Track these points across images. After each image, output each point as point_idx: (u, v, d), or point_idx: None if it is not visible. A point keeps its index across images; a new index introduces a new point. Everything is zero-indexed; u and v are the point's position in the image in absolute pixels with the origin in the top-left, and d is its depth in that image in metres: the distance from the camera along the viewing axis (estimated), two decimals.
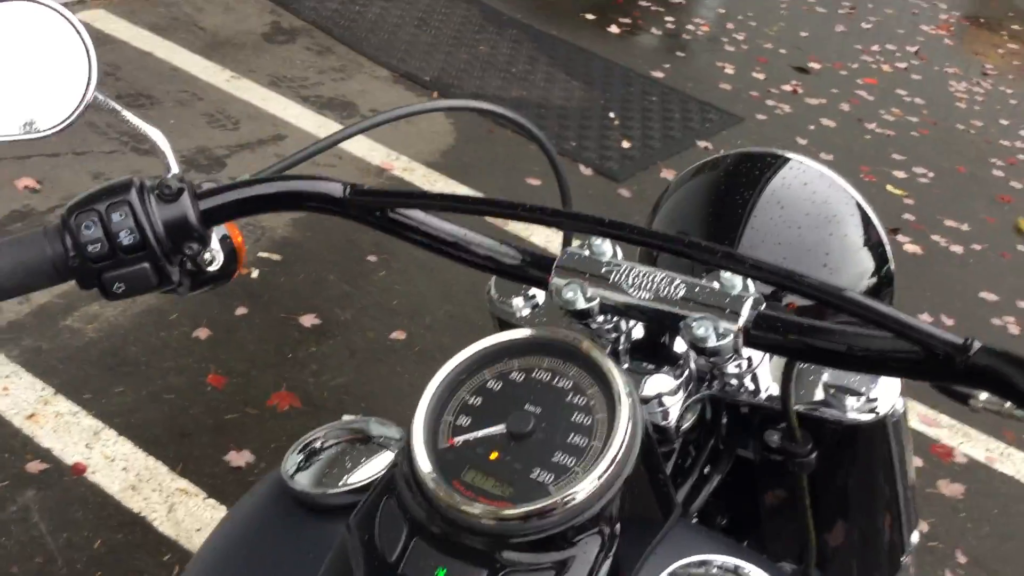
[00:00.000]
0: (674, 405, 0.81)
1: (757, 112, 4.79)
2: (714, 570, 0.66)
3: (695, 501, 0.84)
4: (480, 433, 0.67)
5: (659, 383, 0.80)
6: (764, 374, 0.82)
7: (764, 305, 0.72)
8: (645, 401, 0.81)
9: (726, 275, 0.73)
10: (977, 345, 0.60)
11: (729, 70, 5.22)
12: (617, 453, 0.63)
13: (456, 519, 0.63)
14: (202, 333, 2.65)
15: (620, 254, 0.78)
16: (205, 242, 0.79)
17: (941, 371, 0.62)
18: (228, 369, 2.55)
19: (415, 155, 3.76)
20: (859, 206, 0.98)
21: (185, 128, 3.62)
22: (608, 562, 0.64)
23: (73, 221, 0.75)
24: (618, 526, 0.64)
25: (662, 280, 0.74)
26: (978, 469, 2.70)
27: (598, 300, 0.75)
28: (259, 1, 4.81)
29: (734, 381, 0.82)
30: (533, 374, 0.69)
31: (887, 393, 0.78)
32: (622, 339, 0.83)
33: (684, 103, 4.71)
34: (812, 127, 4.71)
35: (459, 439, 0.67)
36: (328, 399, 2.51)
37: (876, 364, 0.66)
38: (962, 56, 6.39)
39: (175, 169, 0.82)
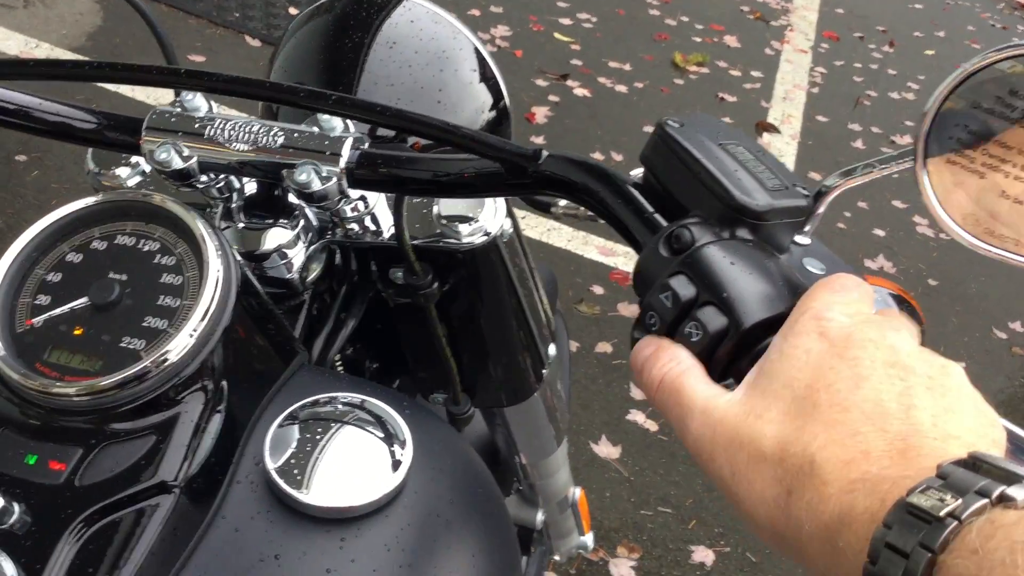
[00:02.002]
0: (296, 256, 0.80)
1: None
2: (339, 406, 0.66)
3: (332, 348, 0.84)
4: (60, 309, 0.62)
5: (276, 236, 0.78)
6: (383, 214, 0.82)
7: (367, 143, 0.72)
8: (264, 256, 0.78)
9: (325, 118, 0.71)
10: (545, 154, 0.62)
11: None
12: (208, 307, 0.61)
13: (42, 402, 0.59)
14: None
15: (216, 108, 0.74)
16: None
17: (519, 183, 0.64)
18: None
19: (58, 41, 3.41)
20: (471, 44, 0.99)
21: None
22: (219, 416, 0.62)
23: None
24: (224, 381, 0.63)
25: (260, 130, 0.71)
26: None
27: (196, 158, 0.71)
28: None
29: (354, 225, 0.82)
30: (116, 240, 0.65)
31: (493, 216, 0.81)
32: (234, 197, 0.79)
33: None
34: None
35: (38, 319, 0.62)
36: None
37: (466, 186, 0.67)
38: None
39: None
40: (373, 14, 0.98)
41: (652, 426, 2.49)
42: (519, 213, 0.90)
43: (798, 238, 0.57)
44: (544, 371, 0.99)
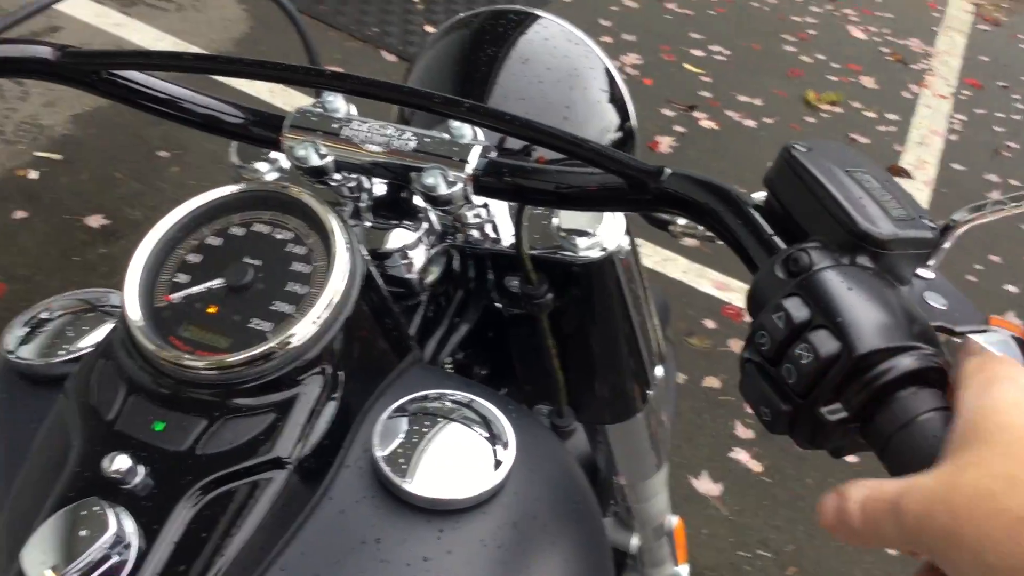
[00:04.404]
0: (416, 258, 0.82)
1: None
2: (447, 403, 0.68)
3: (444, 350, 0.86)
4: (197, 288, 0.66)
5: (399, 237, 0.81)
6: (503, 223, 0.84)
7: (494, 153, 0.74)
8: (387, 255, 0.81)
9: (455, 125, 0.73)
10: (668, 171, 0.63)
11: None
12: (333, 297, 0.64)
13: (173, 373, 0.62)
14: None
15: (354, 111, 0.77)
16: None
17: (640, 198, 0.65)
18: (9, 275, 2.41)
19: (206, 45, 3.59)
20: (603, 64, 1.01)
21: None
22: (334, 402, 0.65)
23: None
24: (342, 368, 0.65)
25: (393, 133, 0.74)
26: None
27: (332, 157, 0.74)
28: None
29: (475, 232, 0.84)
30: (253, 228, 0.69)
31: (611, 231, 0.81)
32: (364, 197, 0.82)
33: None
34: (615, 8, 4.75)
35: (176, 295, 0.66)
36: None
37: (587, 199, 0.68)
38: None
39: None
40: (509, 30, 1.00)
41: (756, 467, 2.44)
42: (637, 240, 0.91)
43: (921, 271, 0.57)
44: (649, 392, 0.99)
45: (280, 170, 0.87)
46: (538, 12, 1.03)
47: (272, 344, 0.62)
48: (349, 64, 3.70)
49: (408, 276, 0.82)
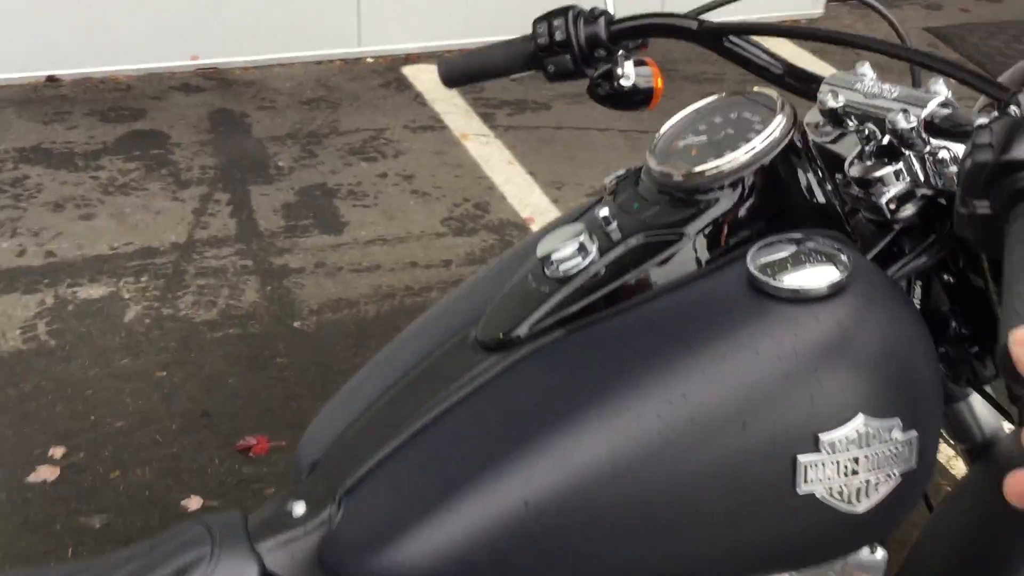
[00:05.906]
0: (889, 190, 1.02)
1: None
2: (821, 246, 0.91)
3: (893, 269, 1.02)
4: (691, 140, 1.02)
5: (879, 168, 1.02)
6: None
7: (953, 108, 0.95)
8: (870, 183, 1.02)
9: (939, 86, 0.97)
10: None
11: None
12: (754, 152, 0.95)
13: (658, 178, 0.99)
14: None
15: (877, 81, 1.04)
16: (611, 53, 1.21)
17: None
18: None
19: None
20: None
21: None
22: (735, 219, 0.95)
23: (536, 25, 1.23)
24: (749, 199, 0.96)
25: (889, 88, 1.00)
26: None
27: (843, 103, 1.02)
28: None
29: (939, 179, 0.98)
30: (743, 114, 1.02)
31: None
32: (871, 144, 1.06)
33: None
34: None
35: (681, 143, 1.03)
36: None
37: None
38: None
39: (611, 11, 1.27)
40: None
41: None
42: None
43: None
44: None
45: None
46: None
47: (709, 166, 0.95)
48: None
49: (879, 203, 1.03)
